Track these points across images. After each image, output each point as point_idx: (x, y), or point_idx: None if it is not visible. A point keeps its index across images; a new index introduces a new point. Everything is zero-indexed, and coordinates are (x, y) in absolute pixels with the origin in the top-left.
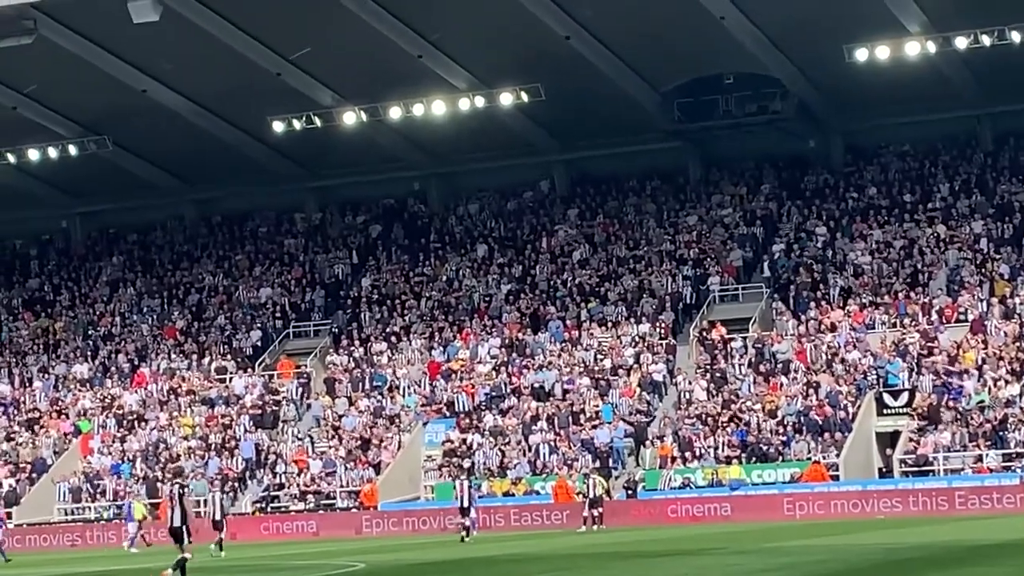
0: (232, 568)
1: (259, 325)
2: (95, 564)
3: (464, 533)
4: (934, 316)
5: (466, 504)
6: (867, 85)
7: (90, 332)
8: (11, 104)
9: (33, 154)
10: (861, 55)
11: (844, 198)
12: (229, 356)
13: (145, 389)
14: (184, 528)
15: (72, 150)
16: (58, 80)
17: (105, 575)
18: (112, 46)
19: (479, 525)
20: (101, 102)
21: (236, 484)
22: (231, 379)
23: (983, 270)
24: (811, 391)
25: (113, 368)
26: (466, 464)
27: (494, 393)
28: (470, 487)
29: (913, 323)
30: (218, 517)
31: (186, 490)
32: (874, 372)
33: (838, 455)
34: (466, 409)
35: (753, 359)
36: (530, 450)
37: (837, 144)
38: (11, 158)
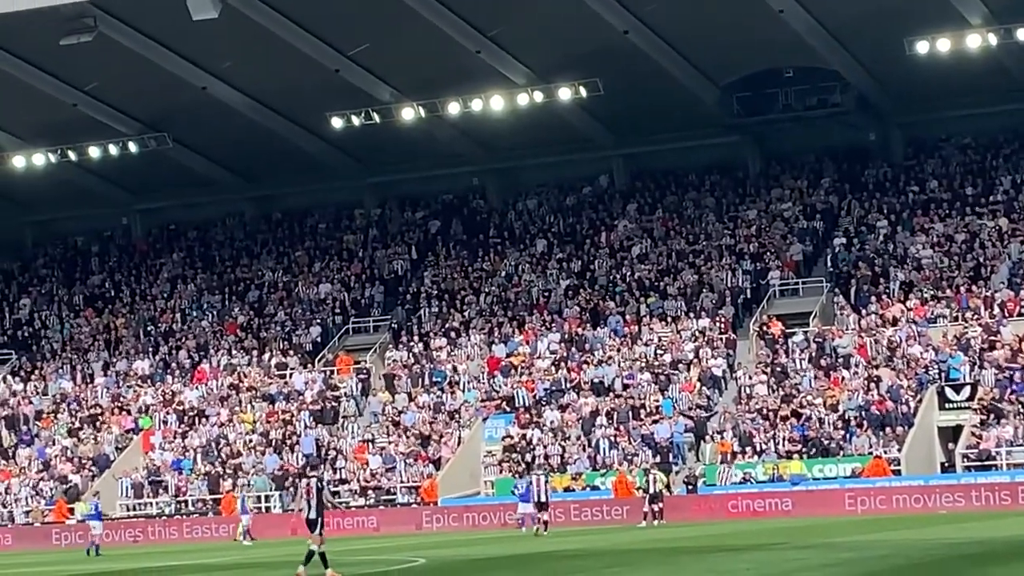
0: (294, 563)
1: (319, 321)
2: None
3: (541, 527)
4: (996, 310)
5: (543, 499)
6: (928, 77)
7: (151, 328)
8: (72, 102)
9: (94, 151)
10: (922, 47)
11: (905, 191)
12: (289, 352)
13: (206, 385)
14: (320, 520)
15: (132, 147)
16: (118, 77)
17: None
18: (172, 43)
19: (539, 520)
20: (161, 99)
21: (296, 480)
22: (291, 375)
23: None
24: (872, 386)
25: (174, 364)
26: (528, 459)
27: (553, 388)
28: (546, 482)
29: (975, 317)
30: (313, 515)
31: (323, 483)
32: (936, 366)
33: (900, 450)
34: (526, 404)
35: (813, 354)
36: (590, 445)
37: (897, 137)
38: (72, 156)
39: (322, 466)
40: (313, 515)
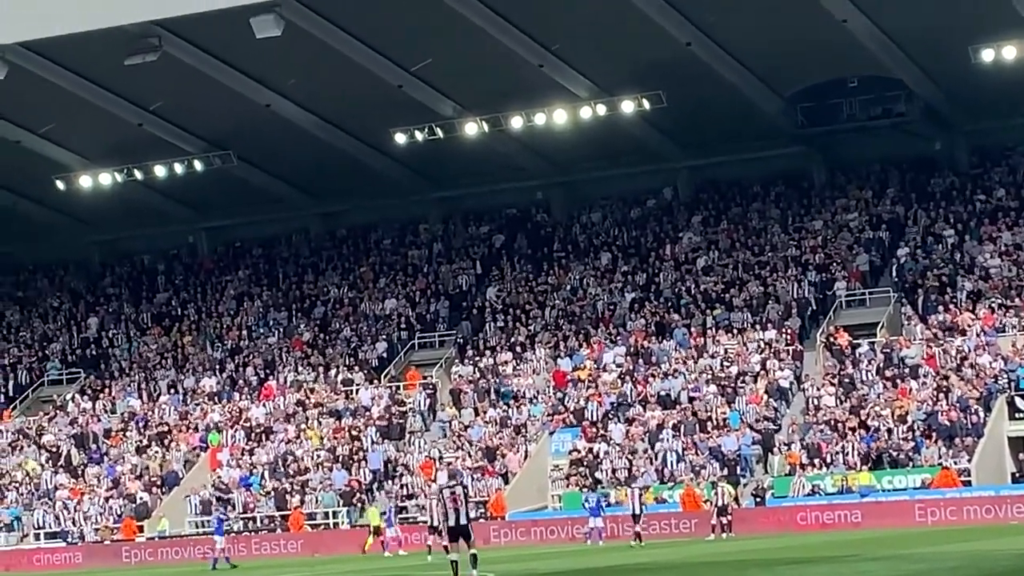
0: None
1: (384, 336)
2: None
3: (635, 539)
4: None
5: (637, 511)
6: (993, 86)
7: (217, 346)
8: (137, 121)
9: (159, 170)
10: (987, 56)
11: (971, 200)
12: (355, 368)
13: (272, 402)
14: (468, 527)
15: (198, 165)
16: (183, 96)
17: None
18: (235, 61)
19: (606, 534)
20: (225, 117)
21: (364, 496)
22: (357, 391)
23: None
24: (941, 396)
25: (241, 381)
26: (596, 474)
27: (619, 401)
28: (640, 495)
29: None
30: (464, 521)
31: (467, 491)
32: (1005, 376)
33: (970, 460)
34: (592, 418)
35: (881, 364)
36: (657, 458)
37: (963, 146)
38: (138, 174)
39: (460, 475)
40: (463, 521)
